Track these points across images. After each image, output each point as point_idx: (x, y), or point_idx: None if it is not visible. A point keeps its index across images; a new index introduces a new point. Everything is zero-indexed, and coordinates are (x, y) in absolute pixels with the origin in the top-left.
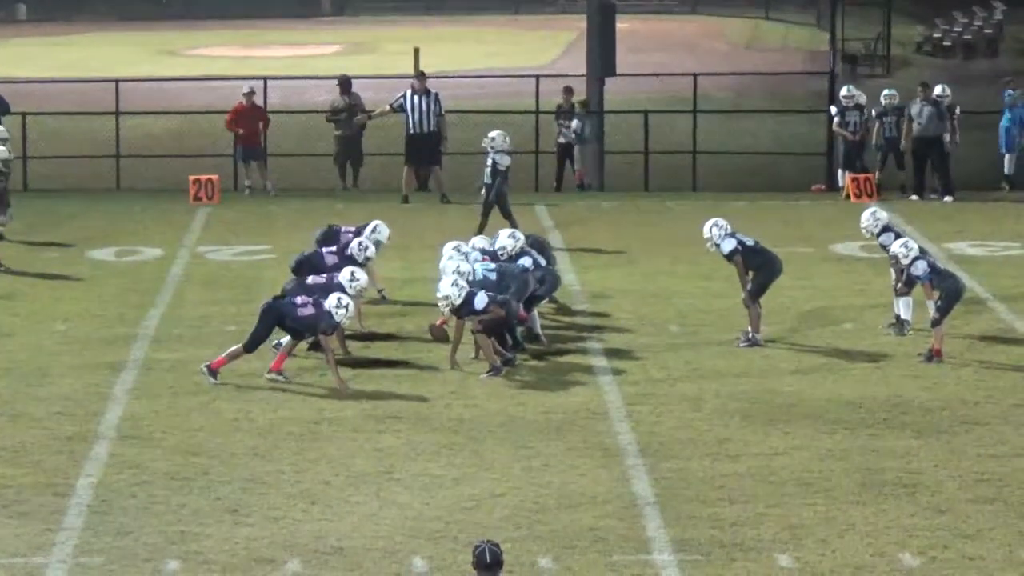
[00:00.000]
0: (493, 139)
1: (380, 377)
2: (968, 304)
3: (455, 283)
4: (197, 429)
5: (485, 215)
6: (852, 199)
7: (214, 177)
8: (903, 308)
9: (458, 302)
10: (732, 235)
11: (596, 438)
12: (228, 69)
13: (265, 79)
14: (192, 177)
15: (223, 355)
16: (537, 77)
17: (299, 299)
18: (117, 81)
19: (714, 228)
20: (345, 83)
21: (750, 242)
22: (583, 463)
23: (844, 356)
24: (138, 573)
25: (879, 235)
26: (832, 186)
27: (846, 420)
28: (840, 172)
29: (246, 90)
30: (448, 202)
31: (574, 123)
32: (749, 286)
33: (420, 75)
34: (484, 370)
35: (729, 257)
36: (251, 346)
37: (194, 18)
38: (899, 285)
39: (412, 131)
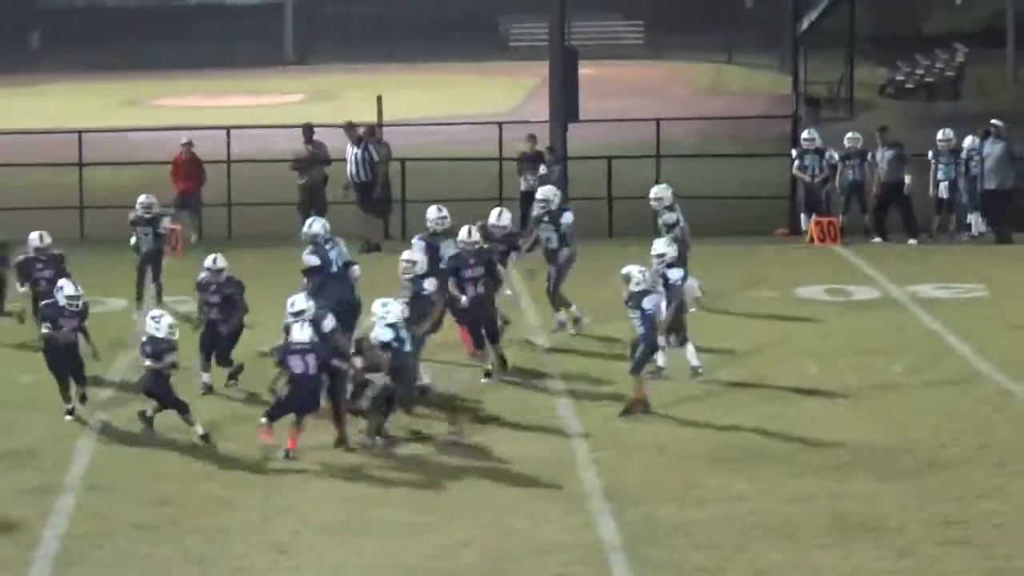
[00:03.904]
0: None
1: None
2: (932, 346)
3: None
4: (164, 478)
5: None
6: (816, 243)
7: (178, 227)
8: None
9: None
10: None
11: (562, 484)
12: (191, 119)
13: (228, 128)
14: (174, 227)
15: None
16: (500, 124)
17: None
18: (80, 132)
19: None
20: (308, 131)
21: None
22: (549, 509)
23: (808, 400)
24: None
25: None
26: (795, 230)
27: (811, 464)
28: (803, 216)
29: (184, 140)
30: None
31: (542, 169)
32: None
33: (348, 125)
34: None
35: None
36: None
37: (157, 68)
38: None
39: (354, 181)
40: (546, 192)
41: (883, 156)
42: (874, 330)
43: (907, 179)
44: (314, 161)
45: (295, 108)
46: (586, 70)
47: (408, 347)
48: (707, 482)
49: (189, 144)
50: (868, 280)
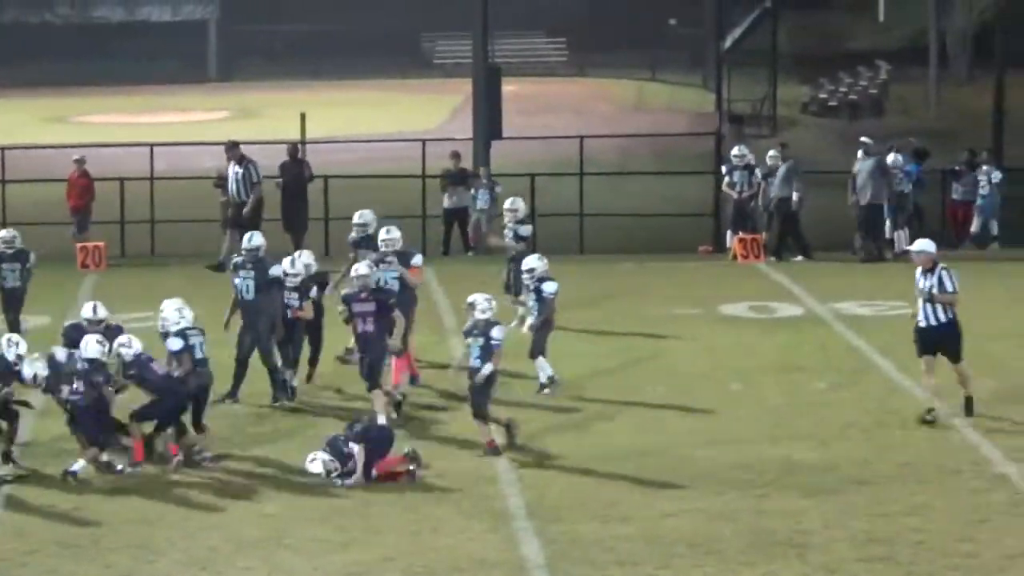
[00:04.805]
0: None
1: (265, 442)
2: (855, 363)
3: None
4: (86, 497)
5: None
6: (739, 260)
7: (101, 244)
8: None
9: None
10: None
11: (485, 502)
12: (116, 136)
13: (151, 145)
14: (79, 244)
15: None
16: (423, 141)
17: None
18: (3, 149)
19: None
20: (230, 148)
21: None
22: (472, 527)
23: (732, 417)
24: None
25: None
26: (719, 247)
27: (735, 481)
28: (728, 234)
29: (76, 158)
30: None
31: (498, 188)
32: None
33: (232, 145)
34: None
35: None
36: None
37: (81, 84)
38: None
39: (235, 200)
40: (365, 216)
41: (779, 172)
42: (797, 347)
43: (794, 196)
44: None
45: (219, 125)
46: (509, 87)
47: (200, 354)
48: (630, 499)
49: (81, 161)
50: (791, 297)
